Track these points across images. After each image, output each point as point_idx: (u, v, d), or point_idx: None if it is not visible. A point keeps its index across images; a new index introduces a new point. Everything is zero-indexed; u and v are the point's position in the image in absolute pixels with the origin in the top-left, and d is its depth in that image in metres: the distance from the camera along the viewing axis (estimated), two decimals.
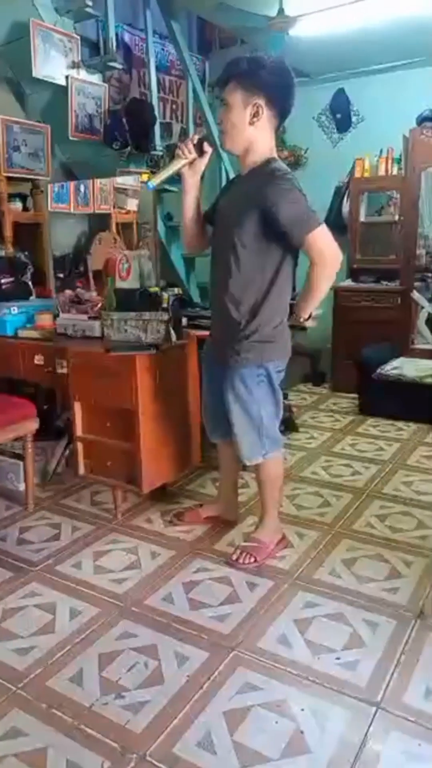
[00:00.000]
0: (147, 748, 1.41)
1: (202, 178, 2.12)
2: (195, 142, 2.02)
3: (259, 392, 2.04)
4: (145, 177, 3.05)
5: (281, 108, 1.95)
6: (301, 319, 2.07)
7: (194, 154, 2.03)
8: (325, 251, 1.88)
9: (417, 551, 2.26)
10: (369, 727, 1.45)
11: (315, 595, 1.99)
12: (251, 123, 1.91)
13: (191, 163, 2.05)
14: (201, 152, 2.03)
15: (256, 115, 1.90)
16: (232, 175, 3.52)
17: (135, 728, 1.46)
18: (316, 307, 2.05)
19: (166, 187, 3.70)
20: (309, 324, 2.12)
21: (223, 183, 3.70)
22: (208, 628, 1.83)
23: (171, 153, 3.59)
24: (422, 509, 2.61)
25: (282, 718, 1.48)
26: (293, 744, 1.41)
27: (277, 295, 2.00)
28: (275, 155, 1.99)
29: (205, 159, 2.06)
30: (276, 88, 1.91)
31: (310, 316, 2.08)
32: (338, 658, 1.69)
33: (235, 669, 1.65)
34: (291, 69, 1.94)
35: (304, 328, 2.21)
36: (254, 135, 1.93)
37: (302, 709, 1.51)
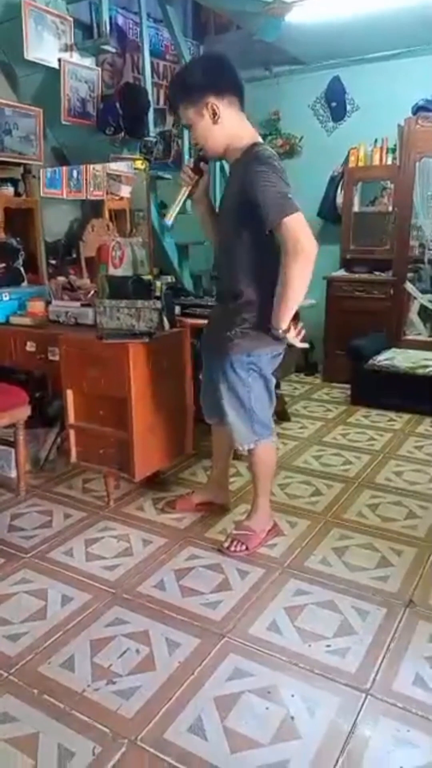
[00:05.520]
0: (138, 733, 1.41)
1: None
2: (192, 165, 2.08)
3: (250, 379, 2.05)
4: (139, 164, 3.03)
5: (232, 91, 1.93)
6: (280, 331, 1.92)
7: (195, 176, 2.07)
8: (301, 238, 1.78)
9: (407, 540, 2.28)
10: (358, 713, 1.47)
11: (306, 582, 2.01)
12: (215, 122, 1.92)
13: (195, 184, 2.09)
14: (201, 172, 2.09)
15: (214, 114, 1.91)
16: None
17: (126, 713, 1.47)
18: (292, 314, 1.91)
19: (160, 174, 3.68)
20: (290, 339, 1.95)
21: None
22: (200, 615, 1.84)
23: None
24: (413, 499, 2.63)
25: (272, 704, 1.50)
26: (283, 730, 1.42)
27: (272, 285, 1.96)
28: (257, 139, 1.98)
29: (205, 177, 2.11)
30: (210, 78, 1.91)
31: (290, 328, 1.94)
32: (328, 645, 1.71)
33: (226, 655, 1.66)
34: (220, 56, 1.97)
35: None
36: (224, 130, 1.94)
37: (292, 696, 1.52)
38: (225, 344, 2.03)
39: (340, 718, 1.46)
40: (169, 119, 4.42)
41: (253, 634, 1.76)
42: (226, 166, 2.33)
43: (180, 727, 1.43)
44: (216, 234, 2.15)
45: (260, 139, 2.00)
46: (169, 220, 2.13)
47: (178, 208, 2.11)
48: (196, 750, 1.37)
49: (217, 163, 3.81)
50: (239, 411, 2.09)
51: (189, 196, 2.11)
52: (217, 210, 2.20)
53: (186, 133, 4.08)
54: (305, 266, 1.82)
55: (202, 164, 2.07)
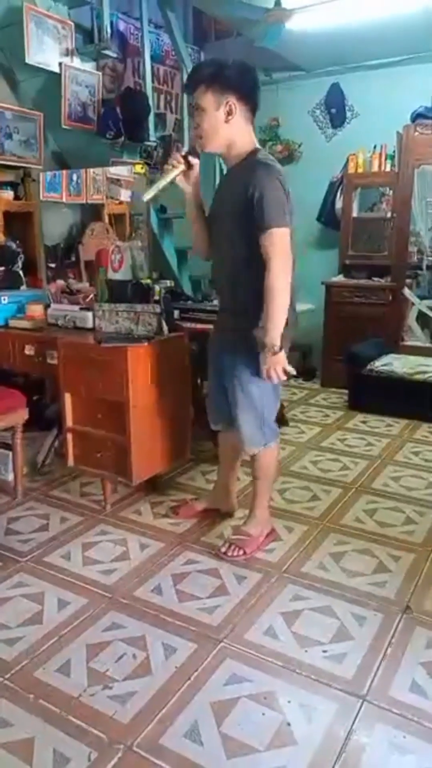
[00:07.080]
0: (134, 738, 1.41)
1: None
2: (183, 153, 2.08)
3: (263, 380, 2.02)
4: (138, 168, 3.04)
5: (252, 103, 1.99)
6: (277, 347, 1.89)
7: (183, 165, 2.06)
8: (288, 251, 1.90)
9: (404, 546, 2.28)
10: (355, 719, 1.47)
11: (303, 588, 2.00)
12: (227, 121, 1.95)
13: (185, 175, 2.08)
14: (189, 165, 2.08)
15: (230, 113, 1.94)
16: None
17: (122, 719, 1.47)
18: (280, 331, 1.89)
19: None
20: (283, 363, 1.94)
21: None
22: (197, 620, 1.83)
23: (161, 158, 3.57)
24: (410, 505, 2.63)
25: (269, 710, 1.49)
26: (280, 736, 1.42)
27: None
28: (258, 146, 2.03)
29: (196, 170, 2.10)
30: (244, 84, 1.96)
31: (281, 348, 1.91)
32: (325, 651, 1.70)
33: (223, 661, 1.66)
34: (254, 67, 2.00)
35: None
36: (232, 132, 1.97)
37: (289, 701, 1.52)
38: (241, 345, 2.01)
39: (336, 724, 1.45)
40: (169, 123, 4.44)
41: (250, 639, 1.75)
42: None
43: (176, 732, 1.43)
44: (214, 239, 2.13)
45: (259, 146, 2.03)
46: (146, 195, 2.13)
47: (160, 186, 2.07)
48: (192, 756, 1.36)
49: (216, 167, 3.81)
50: (251, 413, 2.08)
51: (171, 182, 2.07)
52: (207, 215, 2.17)
53: (186, 137, 4.10)
54: (284, 272, 1.89)
55: (191, 158, 2.07)
